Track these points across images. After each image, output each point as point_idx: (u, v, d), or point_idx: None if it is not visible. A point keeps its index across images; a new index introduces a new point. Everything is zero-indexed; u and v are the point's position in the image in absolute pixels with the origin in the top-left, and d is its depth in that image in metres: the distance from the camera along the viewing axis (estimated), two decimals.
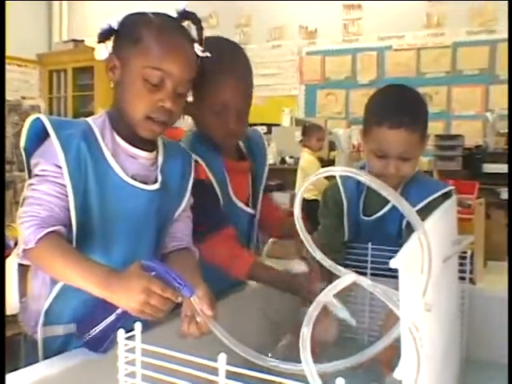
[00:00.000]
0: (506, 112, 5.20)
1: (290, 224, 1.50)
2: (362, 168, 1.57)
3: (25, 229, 0.99)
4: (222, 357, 0.63)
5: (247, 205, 1.49)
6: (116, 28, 1.12)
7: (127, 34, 1.10)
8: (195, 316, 0.97)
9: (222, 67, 1.33)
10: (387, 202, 1.43)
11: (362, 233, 1.53)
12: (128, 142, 1.14)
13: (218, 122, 1.37)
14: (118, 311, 0.96)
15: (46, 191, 1.02)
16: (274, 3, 6.62)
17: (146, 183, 1.14)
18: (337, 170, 0.66)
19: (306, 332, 0.59)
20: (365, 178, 0.64)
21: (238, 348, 0.84)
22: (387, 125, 1.39)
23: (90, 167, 1.06)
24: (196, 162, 1.32)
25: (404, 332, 0.59)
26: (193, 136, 1.45)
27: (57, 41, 8.00)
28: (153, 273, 0.91)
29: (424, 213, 1.39)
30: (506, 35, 5.44)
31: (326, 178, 0.90)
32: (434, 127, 5.57)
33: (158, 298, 0.88)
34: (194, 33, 1.17)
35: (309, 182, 0.73)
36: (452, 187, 1.50)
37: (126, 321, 0.93)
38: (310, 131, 5.26)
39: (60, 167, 1.03)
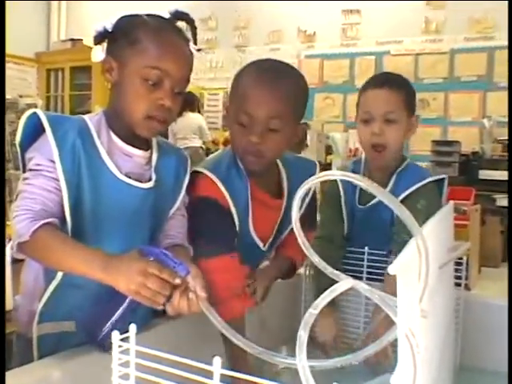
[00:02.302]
0: (502, 119, 5.21)
1: None
2: (356, 162, 1.60)
3: (18, 222, 0.99)
4: (217, 360, 0.62)
5: (264, 241, 1.40)
6: (111, 30, 1.13)
7: (123, 35, 1.11)
8: (187, 291, 0.97)
9: (255, 79, 1.26)
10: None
11: (357, 221, 1.55)
12: (123, 140, 1.14)
13: (241, 134, 1.26)
14: (124, 305, 0.96)
15: (40, 185, 1.03)
16: (273, 6, 6.62)
17: (140, 181, 1.14)
18: (337, 174, 0.66)
19: (302, 336, 0.58)
20: (364, 183, 0.64)
21: (228, 332, 0.84)
22: (371, 86, 1.49)
23: (83, 164, 1.07)
24: (217, 187, 1.27)
25: (401, 338, 0.59)
26: (229, 152, 1.36)
27: (55, 40, 7.98)
28: (151, 258, 0.93)
29: (413, 198, 1.44)
30: (504, 42, 5.45)
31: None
32: (431, 133, 5.58)
33: (155, 279, 0.89)
34: (188, 33, 1.19)
35: (307, 186, 0.73)
36: (444, 176, 1.56)
37: (131, 316, 0.94)
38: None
39: (55, 162, 1.03)
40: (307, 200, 1.37)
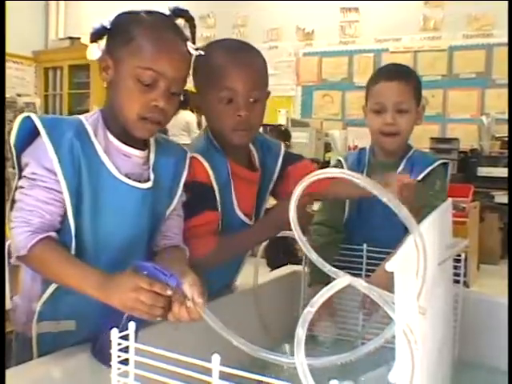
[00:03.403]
0: (501, 116, 5.21)
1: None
2: (362, 152, 1.68)
3: (16, 235, 0.99)
4: (216, 357, 0.63)
5: (250, 217, 1.42)
6: (109, 27, 1.11)
7: (119, 33, 1.09)
8: (186, 301, 0.98)
9: (229, 56, 1.31)
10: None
11: (366, 204, 1.57)
12: (120, 140, 1.12)
13: (227, 111, 1.29)
14: (123, 319, 0.96)
15: (36, 197, 1.02)
16: (272, 4, 6.63)
17: (139, 181, 1.13)
18: (335, 172, 0.66)
19: (300, 333, 0.58)
20: (362, 181, 0.64)
21: (229, 335, 0.84)
22: (383, 79, 1.56)
23: (83, 165, 1.05)
24: (198, 161, 1.29)
25: (399, 335, 0.59)
26: (204, 134, 1.41)
27: (53, 38, 7.97)
28: (145, 272, 0.93)
29: (429, 180, 1.49)
30: (502, 39, 5.46)
31: None
32: (430, 130, 5.59)
33: (147, 293, 0.89)
34: (187, 31, 1.16)
35: (305, 183, 0.73)
36: (449, 161, 1.64)
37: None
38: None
39: (50, 170, 1.02)
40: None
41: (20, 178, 1.06)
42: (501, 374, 1.22)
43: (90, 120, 1.11)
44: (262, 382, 0.61)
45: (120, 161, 1.11)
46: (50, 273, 1.01)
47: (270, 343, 1.32)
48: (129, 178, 1.11)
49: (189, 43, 1.14)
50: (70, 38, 7.46)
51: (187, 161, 1.26)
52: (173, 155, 1.23)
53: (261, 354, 0.80)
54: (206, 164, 1.30)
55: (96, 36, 1.11)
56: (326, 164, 5.39)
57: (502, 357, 1.21)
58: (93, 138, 1.09)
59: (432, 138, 5.34)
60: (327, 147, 5.84)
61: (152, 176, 1.16)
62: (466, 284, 1.47)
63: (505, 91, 5.35)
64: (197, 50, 1.15)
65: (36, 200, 1.02)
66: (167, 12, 1.15)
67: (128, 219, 1.12)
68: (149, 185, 1.14)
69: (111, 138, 1.12)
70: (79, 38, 7.13)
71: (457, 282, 1.35)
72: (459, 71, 5.87)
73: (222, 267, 1.39)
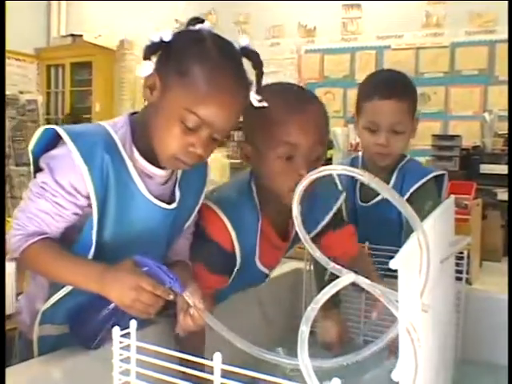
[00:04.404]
0: (503, 113, 5.20)
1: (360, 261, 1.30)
2: (354, 159, 1.61)
3: (11, 237, 1.00)
4: (217, 356, 0.62)
5: (270, 269, 1.37)
6: (167, 41, 0.99)
7: (176, 58, 0.98)
8: (189, 309, 0.97)
9: (289, 105, 1.15)
10: None
11: (362, 220, 1.54)
12: (146, 157, 1.06)
13: (286, 169, 1.13)
14: (110, 307, 0.96)
15: (39, 207, 1.00)
16: (274, 1, 6.61)
17: (161, 201, 1.08)
18: (338, 169, 0.66)
19: (304, 332, 0.58)
20: (365, 177, 0.64)
21: (232, 338, 0.84)
22: (378, 96, 1.44)
23: (111, 181, 1.00)
24: (224, 223, 1.20)
25: (402, 333, 0.59)
26: (246, 180, 1.27)
27: (55, 35, 7.96)
28: (145, 268, 0.92)
29: (417, 195, 1.44)
30: (505, 36, 5.43)
31: None
32: (432, 127, 5.57)
33: (148, 295, 0.89)
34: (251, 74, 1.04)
35: (307, 180, 0.73)
36: (444, 172, 1.54)
37: (120, 318, 0.93)
38: None
39: (61, 185, 0.99)
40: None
41: (35, 176, 1.03)
42: (503, 371, 1.22)
43: (119, 133, 1.04)
44: (265, 380, 0.61)
45: (145, 179, 1.07)
46: (47, 272, 1.00)
47: (273, 341, 1.32)
48: (155, 197, 1.07)
49: (252, 93, 1.03)
50: (72, 35, 7.45)
51: (208, 175, 1.20)
52: (196, 172, 1.17)
53: (265, 356, 0.79)
54: (231, 228, 1.20)
55: (152, 51, 1.00)
56: (328, 161, 5.37)
57: (504, 353, 1.21)
58: (123, 154, 1.03)
59: (434, 135, 5.33)
60: (329, 144, 5.82)
61: (178, 195, 1.11)
62: (468, 281, 1.47)
63: (507, 88, 5.33)
64: (260, 101, 1.03)
65: (38, 210, 1.00)
66: (236, 45, 1.03)
67: (149, 239, 1.09)
68: (174, 205, 1.10)
69: (137, 155, 1.06)
70: (81, 36, 7.13)
71: (459, 279, 1.35)
72: (461, 68, 5.84)
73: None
